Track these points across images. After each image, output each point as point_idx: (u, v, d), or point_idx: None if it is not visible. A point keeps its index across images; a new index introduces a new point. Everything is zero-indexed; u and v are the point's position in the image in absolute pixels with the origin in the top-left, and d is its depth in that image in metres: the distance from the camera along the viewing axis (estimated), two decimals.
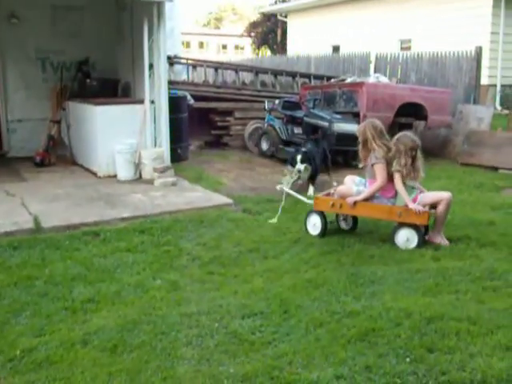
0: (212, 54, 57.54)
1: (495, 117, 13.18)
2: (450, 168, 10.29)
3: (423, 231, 5.96)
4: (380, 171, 6.01)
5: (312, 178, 8.37)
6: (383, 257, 5.51)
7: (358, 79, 13.59)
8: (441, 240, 5.98)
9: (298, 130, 11.21)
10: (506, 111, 14.24)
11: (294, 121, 11.32)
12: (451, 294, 4.61)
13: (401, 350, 3.67)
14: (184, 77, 14.38)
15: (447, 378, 3.37)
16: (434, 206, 5.96)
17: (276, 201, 7.72)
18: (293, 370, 3.48)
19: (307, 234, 6.28)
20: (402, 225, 5.87)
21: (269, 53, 38.66)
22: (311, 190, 8.22)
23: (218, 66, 15.27)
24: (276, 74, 16.09)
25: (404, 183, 5.93)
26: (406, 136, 6.16)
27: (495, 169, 10.52)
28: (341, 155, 10.19)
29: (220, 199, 7.69)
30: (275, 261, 5.45)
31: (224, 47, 67.41)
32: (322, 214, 6.20)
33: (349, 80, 13.87)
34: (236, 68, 15.68)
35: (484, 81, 16.62)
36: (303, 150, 8.34)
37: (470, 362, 3.53)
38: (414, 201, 5.89)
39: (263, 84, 15.62)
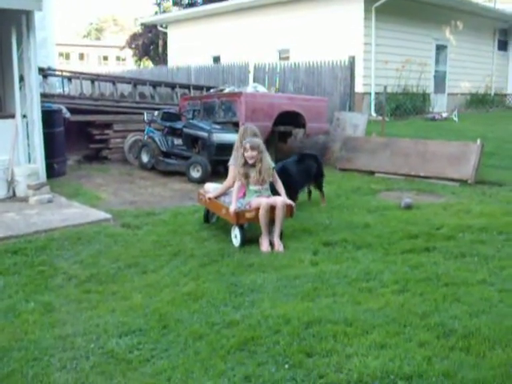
0: (93, 66, 56.52)
1: (371, 123, 13.72)
2: (330, 174, 10.52)
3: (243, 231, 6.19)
4: (229, 173, 6.82)
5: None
6: (263, 265, 5.53)
7: (237, 89, 13.70)
8: (263, 245, 6.08)
9: (178, 142, 11.14)
10: (380, 117, 14.84)
11: (173, 132, 11.23)
12: (329, 297, 4.71)
13: (280, 356, 3.69)
14: (59, 89, 13.92)
15: (325, 380, 3.43)
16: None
17: (156, 214, 7.63)
18: None
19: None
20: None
21: (151, 64, 38.40)
22: None
23: (94, 78, 14.86)
24: (155, 85, 15.92)
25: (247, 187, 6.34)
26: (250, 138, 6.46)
27: (371, 173, 10.92)
28: (221, 165, 10.19)
29: (98, 215, 7.45)
30: (155, 275, 5.34)
31: (105, 58, 66.38)
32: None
33: (227, 90, 13.94)
34: (113, 80, 15.35)
35: (359, 89, 17.27)
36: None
37: (346, 363, 3.61)
38: (250, 204, 6.27)
39: (142, 96, 15.41)
